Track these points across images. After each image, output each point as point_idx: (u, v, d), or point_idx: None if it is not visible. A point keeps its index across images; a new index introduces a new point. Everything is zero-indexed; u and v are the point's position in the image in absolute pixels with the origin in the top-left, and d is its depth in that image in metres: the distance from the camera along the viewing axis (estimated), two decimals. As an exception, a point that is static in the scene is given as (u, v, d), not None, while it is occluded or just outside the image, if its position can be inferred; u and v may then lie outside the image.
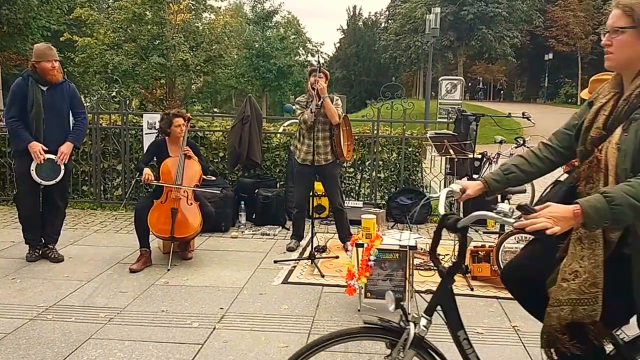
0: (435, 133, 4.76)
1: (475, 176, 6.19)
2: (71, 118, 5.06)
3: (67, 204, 5.34)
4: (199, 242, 5.68)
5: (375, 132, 6.89)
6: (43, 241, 5.15)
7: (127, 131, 7.19)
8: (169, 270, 4.88)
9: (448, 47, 26.49)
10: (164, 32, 25.07)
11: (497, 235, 5.11)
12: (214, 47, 27.18)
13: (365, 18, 50.91)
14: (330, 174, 5.42)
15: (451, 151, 4.49)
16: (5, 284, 4.51)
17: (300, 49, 37.42)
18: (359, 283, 3.89)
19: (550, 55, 39.40)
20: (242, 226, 6.36)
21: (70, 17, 24.49)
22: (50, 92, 4.87)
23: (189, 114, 5.39)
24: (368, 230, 3.90)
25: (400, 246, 3.84)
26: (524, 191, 5.10)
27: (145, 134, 6.87)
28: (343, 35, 50.42)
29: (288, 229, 6.33)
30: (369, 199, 6.98)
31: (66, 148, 4.90)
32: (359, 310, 3.99)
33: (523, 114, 4.58)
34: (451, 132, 4.89)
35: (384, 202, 6.92)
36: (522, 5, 33.54)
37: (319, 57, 4.93)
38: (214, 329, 3.72)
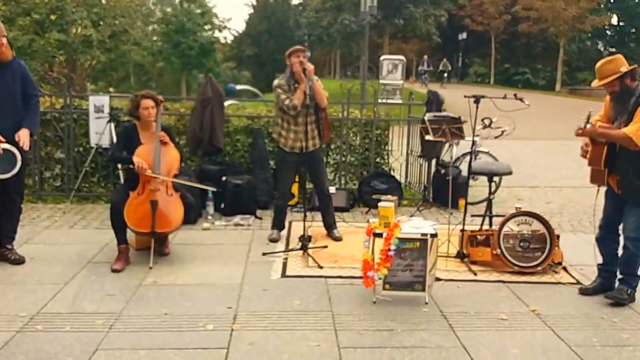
0: (434, 116, 4.72)
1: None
2: None
3: (23, 198, 4.75)
4: (171, 236, 5.28)
5: (345, 114, 6.76)
6: (-2, 242, 4.56)
7: (70, 115, 6.53)
8: (151, 268, 4.49)
9: (374, 26, 26.44)
10: (64, 5, 23.25)
11: (482, 218, 5.16)
12: (118, 21, 25.55)
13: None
14: (318, 159, 5.24)
15: (448, 134, 4.47)
16: (-31, 293, 3.94)
17: (207, 25, 36.06)
18: (378, 274, 3.76)
19: (465, 35, 39.83)
20: (210, 217, 6.00)
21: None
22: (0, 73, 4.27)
23: (160, 97, 4.95)
24: (387, 219, 3.76)
25: (422, 234, 3.75)
26: (511, 173, 5.19)
27: (96, 118, 6.26)
28: (252, 11, 49.18)
29: (260, 219, 6.07)
30: (336, 183, 6.84)
31: (24, 134, 4.33)
32: (374, 302, 3.88)
33: (515, 95, 4.64)
34: (452, 115, 4.88)
35: (351, 186, 6.83)
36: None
37: (308, 36, 4.63)
38: (232, 330, 3.47)
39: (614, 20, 41.92)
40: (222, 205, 6.08)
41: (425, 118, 4.78)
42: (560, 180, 9.26)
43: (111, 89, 33.76)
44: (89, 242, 5.09)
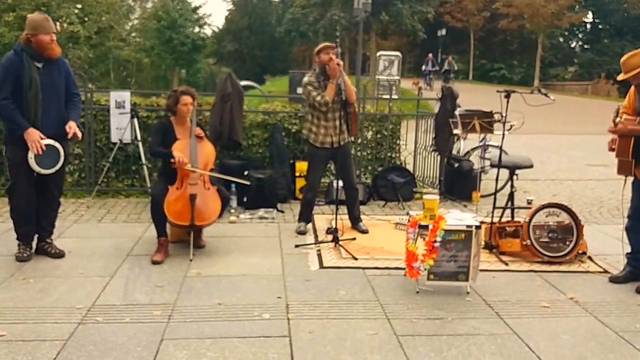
0: (466, 110, 4.86)
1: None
2: None
3: (62, 192, 4.77)
4: (201, 228, 5.35)
5: (361, 109, 6.89)
6: (37, 236, 4.58)
7: (90, 111, 6.52)
8: (191, 260, 4.57)
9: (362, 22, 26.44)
10: (50, 1, 22.90)
11: (502, 210, 5.32)
12: (104, 17, 25.30)
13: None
14: (348, 153, 5.36)
15: (477, 128, 4.62)
16: (19, 285, 3.97)
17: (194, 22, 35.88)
18: (424, 265, 3.90)
19: (444, 32, 40.21)
20: (233, 210, 6.07)
21: None
22: (46, 69, 4.29)
23: (195, 93, 5.01)
24: (432, 212, 3.90)
25: (467, 226, 3.90)
26: (532, 166, 5.37)
27: (120, 113, 6.27)
28: (233, 7, 48.92)
29: (283, 212, 6.16)
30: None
31: (74, 125, 4.40)
32: (417, 292, 4.02)
33: (539, 90, 4.81)
34: (483, 110, 5.01)
35: (365, 179, 6.97)
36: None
37: (339, 34, 4.73)
38: (289, 319, 3.57)
39: (589, 17, 42.83)
40: (245, 199, 6.15)
41: (456, 112, 4.92)
42: (557, 173, 9.53)
43: (90, 85, 33.08)
44: (122, 236, 5.14)
